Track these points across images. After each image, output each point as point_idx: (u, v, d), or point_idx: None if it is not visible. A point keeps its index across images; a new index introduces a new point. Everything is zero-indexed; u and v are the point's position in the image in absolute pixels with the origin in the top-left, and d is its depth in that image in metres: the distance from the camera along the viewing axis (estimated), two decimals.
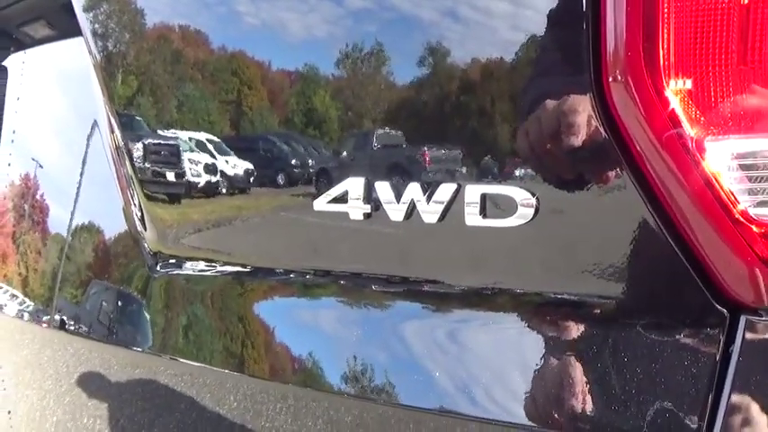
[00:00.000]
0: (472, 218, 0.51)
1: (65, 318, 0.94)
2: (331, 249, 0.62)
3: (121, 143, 0.80)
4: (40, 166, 0.96)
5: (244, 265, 0.72)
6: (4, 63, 1.06)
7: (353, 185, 0.57)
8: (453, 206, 0.52)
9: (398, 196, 0.54)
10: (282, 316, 0.71)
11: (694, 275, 0.45)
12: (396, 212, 0.54)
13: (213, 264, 0.76)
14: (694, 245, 0.45)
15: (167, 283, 0.80)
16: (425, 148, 0.55)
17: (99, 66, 0.82)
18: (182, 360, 0.81)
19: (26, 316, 1.04)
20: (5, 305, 1.08)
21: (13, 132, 0.98)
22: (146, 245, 0.81)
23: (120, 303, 0.87)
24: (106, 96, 0.82)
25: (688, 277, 0.45)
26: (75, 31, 0.92)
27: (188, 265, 0.78)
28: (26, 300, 1.05)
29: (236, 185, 0.71)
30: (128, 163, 0.80)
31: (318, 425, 0.71)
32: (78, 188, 0.89)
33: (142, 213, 0.81)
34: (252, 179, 0.69)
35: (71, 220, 0.91)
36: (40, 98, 0.98)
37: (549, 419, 0.51)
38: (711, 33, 0.46)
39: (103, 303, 0.92)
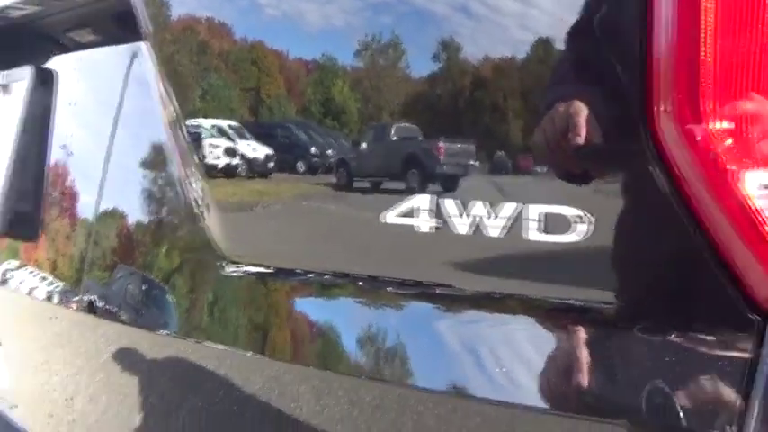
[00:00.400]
0: (533, 233, 0.58)
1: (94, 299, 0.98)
2: (392, 258, 0.69)
3: (186, 131, 0.85)
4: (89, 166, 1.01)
5: (299, 267, 0.78)
6: (50, 66, 1.10)
7: (422, 200, 0.63)
8: (516, 222, 0.59)
9: (465, 211, 0.61)
10: (329, 316, 0.77)
11: (730, 286, 0.52)
12: (462, 226, 0.61)
13: (268, 258, 0.81)
14: (730, 260, 0.52)
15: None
16: (495, 166, 0.61)
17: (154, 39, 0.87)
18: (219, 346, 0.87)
19: (56, 298, 1.08)
20: (36, 287, 1.12)
21: (70, 136, 1.03)
22: (206, 227, 0.85)
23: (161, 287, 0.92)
24: (164, 75, 0.87)
25: (724, 288, 0.52)
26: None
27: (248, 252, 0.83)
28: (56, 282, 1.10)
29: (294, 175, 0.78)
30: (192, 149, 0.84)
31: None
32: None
33: (203, 197, 0.86)
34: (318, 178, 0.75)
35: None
36: (95, 100, 1.02)
37: (570, 408, 0.58)
38: (747, 80, 0.53)
39: (129, 287, 0.97)
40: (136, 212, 0.96)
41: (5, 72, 1.15)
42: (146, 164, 0.95)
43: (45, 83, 1.07)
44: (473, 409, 0.64)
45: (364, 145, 0.70)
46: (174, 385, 0.86)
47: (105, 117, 1.00)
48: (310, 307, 0.76)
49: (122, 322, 0.96)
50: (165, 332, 0.91)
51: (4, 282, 1.14)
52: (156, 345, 0.92)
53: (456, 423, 0.68)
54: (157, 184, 0.93)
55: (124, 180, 0.98)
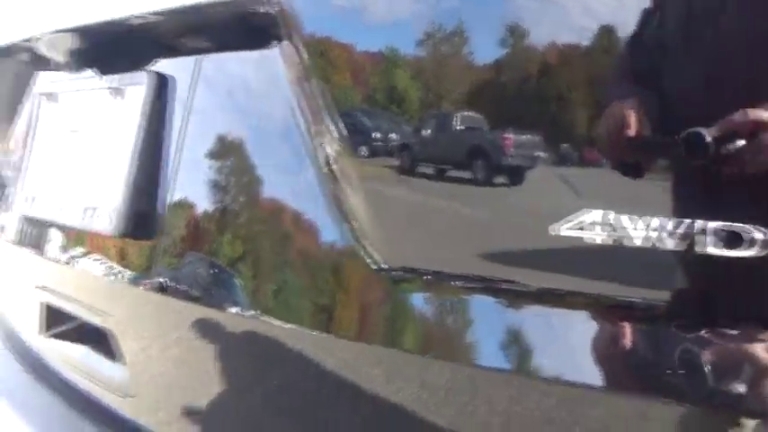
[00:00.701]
0: (711, 248, 0.62)
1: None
2: (558, 269, 0.73)
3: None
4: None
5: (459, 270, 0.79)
6: (167, 71, 1.13)
7: (595, 214, 0.67)
8: (695, 236, 0.63)
9: (643, 225, 0.65)
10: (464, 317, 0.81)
11: None
12: (639, 240, 0.65)
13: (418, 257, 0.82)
14: None
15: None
16: (678, 186, 0.65)
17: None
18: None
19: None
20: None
21: (191, 138, 1.07)
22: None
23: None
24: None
25: None
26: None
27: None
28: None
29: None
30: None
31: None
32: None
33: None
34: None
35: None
36: (214, 104, 1.06)
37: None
38: None
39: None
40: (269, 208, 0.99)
41: (117, 76, 1.19)
42: (272, 158, 0.98)
43: (162, 87, 1.11)
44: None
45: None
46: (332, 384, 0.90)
47: (227, 120, 1.03)
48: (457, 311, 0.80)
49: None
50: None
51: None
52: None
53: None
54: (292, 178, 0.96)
55: (248, 177, 1.01)
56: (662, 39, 0.65)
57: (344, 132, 0.85)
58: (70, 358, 1.34)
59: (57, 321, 1.40)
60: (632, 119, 0.63)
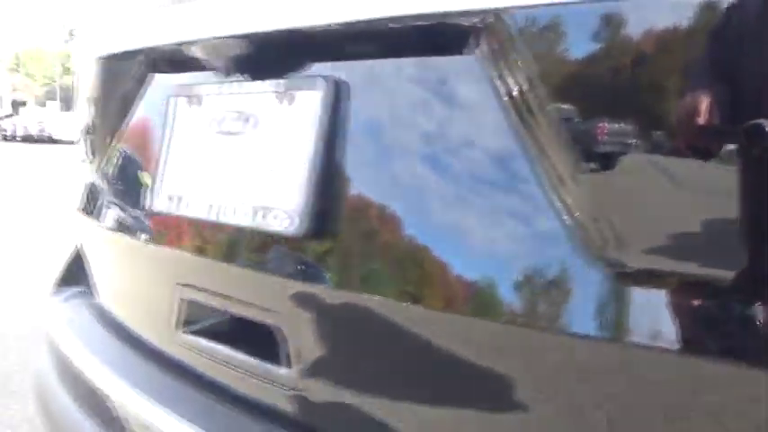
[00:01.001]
0: None
1: None
2: None
3: None
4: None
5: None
6: (343, 77, 1.16)
7: None
8: None
9: None
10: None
11: None
12: None
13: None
14: None
15: None
16: None
17: None
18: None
19: None
20: None
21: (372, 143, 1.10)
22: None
23: None
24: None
25: None
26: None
27: None
28: None
29: None
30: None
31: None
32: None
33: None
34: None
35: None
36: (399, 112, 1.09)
37: None
38: None
39: None
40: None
41: (282, 81, 1.22)
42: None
43: (338, 92, 1.14)
44: None
45: None
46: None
47: (413, 126, 1.06)
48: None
49: None
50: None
51: None
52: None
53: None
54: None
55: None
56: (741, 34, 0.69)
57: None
58: (222, 356, 1.37)
59: (200, 318, 1.43)
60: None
